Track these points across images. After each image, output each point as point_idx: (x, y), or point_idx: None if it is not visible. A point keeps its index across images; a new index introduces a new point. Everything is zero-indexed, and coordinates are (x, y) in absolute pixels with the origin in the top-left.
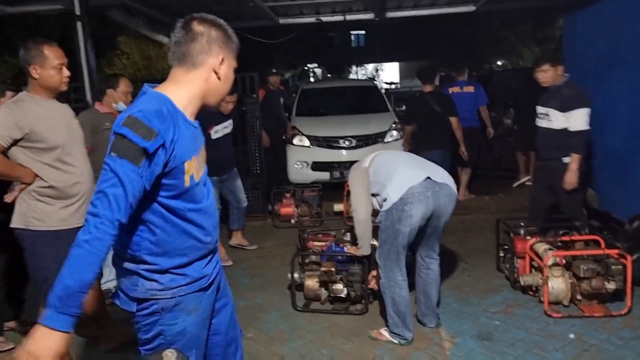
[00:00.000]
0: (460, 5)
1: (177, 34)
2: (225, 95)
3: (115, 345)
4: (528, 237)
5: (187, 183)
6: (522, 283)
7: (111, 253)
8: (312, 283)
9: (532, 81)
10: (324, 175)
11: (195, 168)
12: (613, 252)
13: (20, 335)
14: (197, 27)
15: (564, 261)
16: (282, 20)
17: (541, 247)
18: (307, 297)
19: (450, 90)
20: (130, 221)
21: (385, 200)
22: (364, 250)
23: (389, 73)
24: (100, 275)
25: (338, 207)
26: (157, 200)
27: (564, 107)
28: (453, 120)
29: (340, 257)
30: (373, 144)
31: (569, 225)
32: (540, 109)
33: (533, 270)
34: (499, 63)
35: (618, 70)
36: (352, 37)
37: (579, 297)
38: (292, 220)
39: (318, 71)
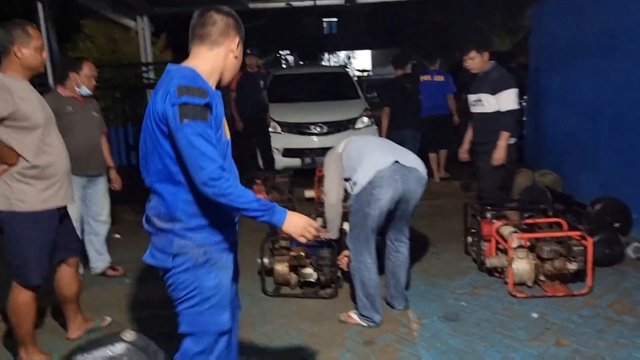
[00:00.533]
0: None
1: (198, 20)
2: (235, 73)
3: (81, 333)
4: (494, 221)
5: (227, 136)
6: (488, 265)
7: (94, 238)
8: (281, 268)
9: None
10: (296, 162)
11: (226, 128)
12: (575, 234)
13: None
14: (216, 15)
15: (528, 243)
16: (252, 5)
17: (507, 230)
18: (277, 282)
19: (422, 78)
20: (169, 182)
21: (355, 184)
22: (332, 234)
23: (361, 61)
24: (82, 257)
25: (309, 193)
26: None
27: (494, 90)
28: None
29: (309, 242)
30: (344, 130)
31: (534, 208)
32: (472, 97)
33: (499, 252)
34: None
35: (582, 59)
36: (324, 25)
37: (542, 277)
38: None
39: (290, 58)
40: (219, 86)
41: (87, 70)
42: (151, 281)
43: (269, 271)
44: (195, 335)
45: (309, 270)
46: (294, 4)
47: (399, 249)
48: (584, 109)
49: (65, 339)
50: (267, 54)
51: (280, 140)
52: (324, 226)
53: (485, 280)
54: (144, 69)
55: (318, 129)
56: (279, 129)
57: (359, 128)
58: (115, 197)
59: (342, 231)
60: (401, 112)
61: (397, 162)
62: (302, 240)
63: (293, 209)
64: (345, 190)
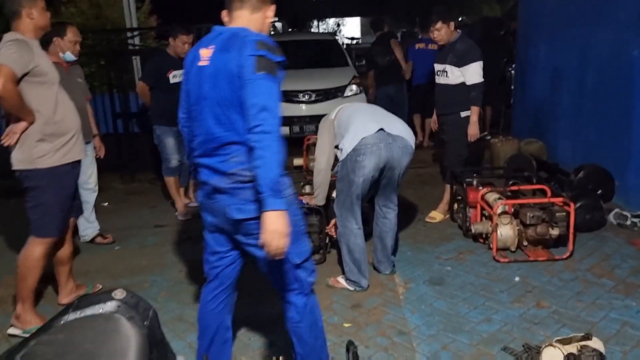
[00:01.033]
0: None
1: None
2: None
3: (72, 299)
4: (480, 188)
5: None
6: (473, 231)
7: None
8: None
9: (491, 37)
10: (284, 130)
11: None
12: (558, 200)
13: None
14: None
15: (512, 209)
16: None
17: (491, 197)
18: None
19: (417, 46)
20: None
21: (341, 150)
22: (318, 199)
23: (350, 28)
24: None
25: (297, 161)
26: None
27: (460, 62)
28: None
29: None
30: (333, 98)
31: (519, 176)
32: (437, 66)
33: (484, 218)
34: (460, 19)
35: (570, 28)
36: None
37: (525, 243)
38: None
39: (279, 25)
40: None
41: (72, 35)
42: (140, 248)
43: None
44: (306, 262)
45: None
46: None
47: (387, 215)
48: (569, 77)
49: (57, 304)
50: None
51: None
52: (312, 194)
53: (470, 245)
54: (129, 34)
55: (306, 96)
56: None
57: (348, 96)
58: (101, 166)
59: (331, 199)
60: (381, 70)
61: (382, 129)
62: (272, 248)
63: None
64: (336, 157)
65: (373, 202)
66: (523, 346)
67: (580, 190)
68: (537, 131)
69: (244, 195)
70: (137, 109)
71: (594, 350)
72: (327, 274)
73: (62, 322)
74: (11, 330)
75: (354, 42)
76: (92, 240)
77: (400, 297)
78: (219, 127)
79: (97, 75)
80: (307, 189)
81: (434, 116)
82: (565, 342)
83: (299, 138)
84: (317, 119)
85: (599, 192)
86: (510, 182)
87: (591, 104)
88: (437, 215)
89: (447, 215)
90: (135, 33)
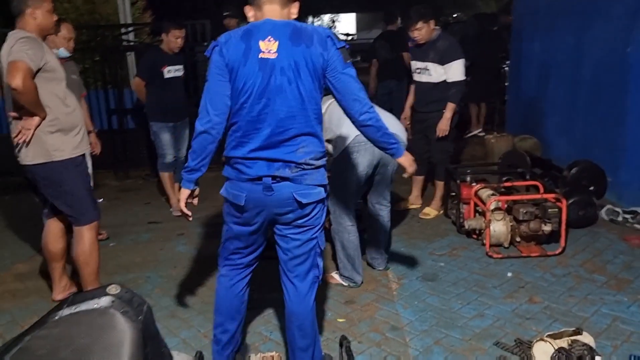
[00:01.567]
0: None
1: None
2: None
3: (66, 295)
4: (474, 184)
5: None
6: (466, 227)
7: None
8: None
9: (486, 32)
10: None
11: None
12: (550, 196)
13: None
14: None
15: (505, 205)
16: None
17: (485, 193)
18: None
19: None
20: (319, 122)
21: (334, 148)
22: None
23: (345, 24)
24: (57, 214)
25: None
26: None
27: (443, 60)
28: (405, 55)
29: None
30: (328, 94)
31: (513, 172)
32: (417, 64)
33: (477, 214)
34: (455, 15)
35: (563, 22)
36: None
37: (518, 239)
38: None
39: None
40: None
41: (66, 31)
42: (134, 244)
43: None
44: (323, 249)
45: None
46: None
47: (380, 212)
48: (563, 73)
49: (51, 301)
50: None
51: None
52: None
53: (464, 241)
54: (123, 30)
55: None
56: None
57: None
58: (96, 162)
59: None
60: (386, 63)
61: None
62: (411, 169)
63: None
64: (328, 152)
65: (366, 198)
66: (515, 341)
67: (573, 187)
68: (531, 127)
69: (309, 180)
70: (132, 105)
71: (585, 344)
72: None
73: (56, 317)
74: None
75: (350, 38)
76: None
77: (393, 293)
78: (292, 120)
79: (92, 71)
80: None
81: (406, 112)
82: (556, 336)
83: None
84: None
85: (592, 188)
86: (504, 179)
87: (585, 100)
88: (431, 212)
89: (441, 211)
90: (130, 29)
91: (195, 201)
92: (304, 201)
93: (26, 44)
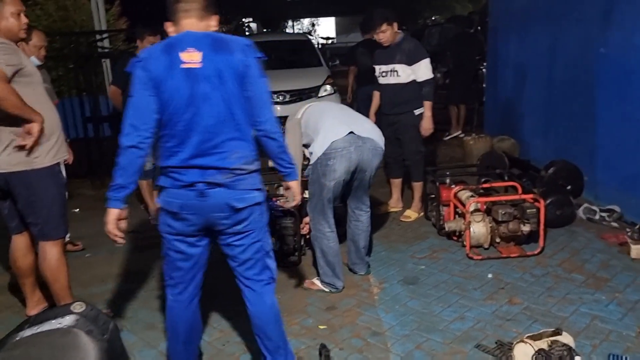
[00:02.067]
0: None
1: None
2: None
3: (40, 310)
4: (453, 186)
5: None
6: (446, 229)
7: None
8: None
9: (463, 34)
10: None
11: None
12: (528, 197)
13: None
14: None
15: (484, 207)
16: None
17: (464, 195)
18: None
19: None
20: (250, 126)
21: (312, 153)
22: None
23: (325, 28)
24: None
25: (272, 162)
26: None
27: (410, 60)
28: None
29: (272, 212)
30: (307, 99)
31: (491, 173)
32: (383, 67)
33: (457, 216)
34: (433, 18)
35: (539, 24)
36: None
37: (497, 239)
38: None
39: (253, 26)
40: None
41: (37, 39)
42: (111, 254)
43: None
44: (271, 252)
45: (271, 240)
46: None
47: (360, 217)
48: (539, 74)
49: (25, 316)
50: (229, 21)
51: None
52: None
53: (444, 243)
54: (98, 37)
55: (281, 97)
56: None
57: (322, 96)
58: (71, 172)
59: (304, 199)
60: (367, 70)
61: (352, 132)
62: (297, 200)
63: None
64: (305, 157)
65: (345, 203)
66: (495, 343)
67: (551, 186)
68: (509, 128)
69: (243, 185)
70: (108, 113)
71: (564, 345)
72: (303, 277)
73: (17, 338)
74: None
75: (329, 41)
76: None
77: (374, 298)
78: (220, 126)
79: (66, 79)
80: (282, 190)
81: (372, 119)
82: (536, 338)
83: None
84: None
85: (569, 187)
86: (483, 180)
87: (559, 100)
88: (411, 214)
89: (422, 214)
90: (105, 35)
91: (124, 224)
92: (239, 206)
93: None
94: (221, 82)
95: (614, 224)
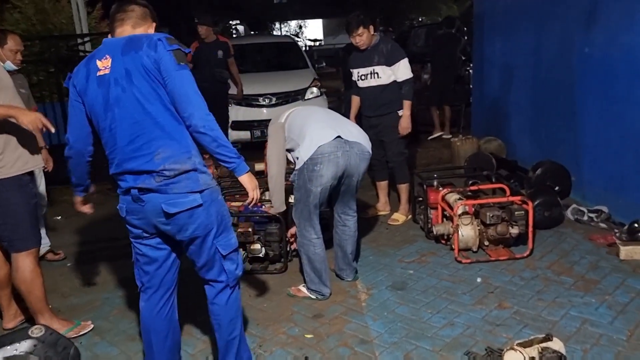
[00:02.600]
0: None
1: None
2: None
3: (16, 323)
4: (441, 189)
5: None
6: (435, 232)
7: None
8: None
9: (444, 35)
10: (245, 135)
11: None
12: (516, 199)
13: None
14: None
15: (472, 209)
16: None
17: (452, 197)
18: None
19: None
20: (177, 123)
21: (297, 158)
22: (276, 207)
23: (312, 30)
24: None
25: (259, 166)
26: None
27: (389, 61)
28: None
29: (257, 217)
30: (293, 102)
31: (479, 175)
32: (362, 70)
33: (445, 219)
34: (420, 19)
35: (523, 24)
36: None
37: (486, 242)
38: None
39: (240, 28)
40: None
41: (12, 43)
42: (93, 264)
43: None
44: (232, 254)
45: (257, 246)
46: None
47: (346, 222)
48: (524, 74)
49: (2, 329)
50: (216, 24)
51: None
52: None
53: (432, 247)
54: (79, 40)
55: (267, 100)
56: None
57: (309, 99)
58: (52, 179)
59: (291, 205)
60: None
61: (339, 137)
62: (252, 195)
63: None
64: (289, 162)
65: (331, 208)
66: (485, 350)
67: (538, 188)
68: (496, 129)
69: (177, 189)
70: None
71: (555, 351)
72: (289, 284)
73: None
74: None
75: (317, 43)
76: (43, 257)
77: (362, 304)
78: (137, 127)
79: (46, 83)
80: (268, 195)
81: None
82: (526, 344)
83: (260, 142)
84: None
85: (557, 188)
86: (470, 182)
87: (545, 100)
88: (399, 217)
89: (410, 216)
90: (86, 39)
91: (88, 208)
92: (172, 211)
93: None
94: (130, 82)
95: (603, 225)
